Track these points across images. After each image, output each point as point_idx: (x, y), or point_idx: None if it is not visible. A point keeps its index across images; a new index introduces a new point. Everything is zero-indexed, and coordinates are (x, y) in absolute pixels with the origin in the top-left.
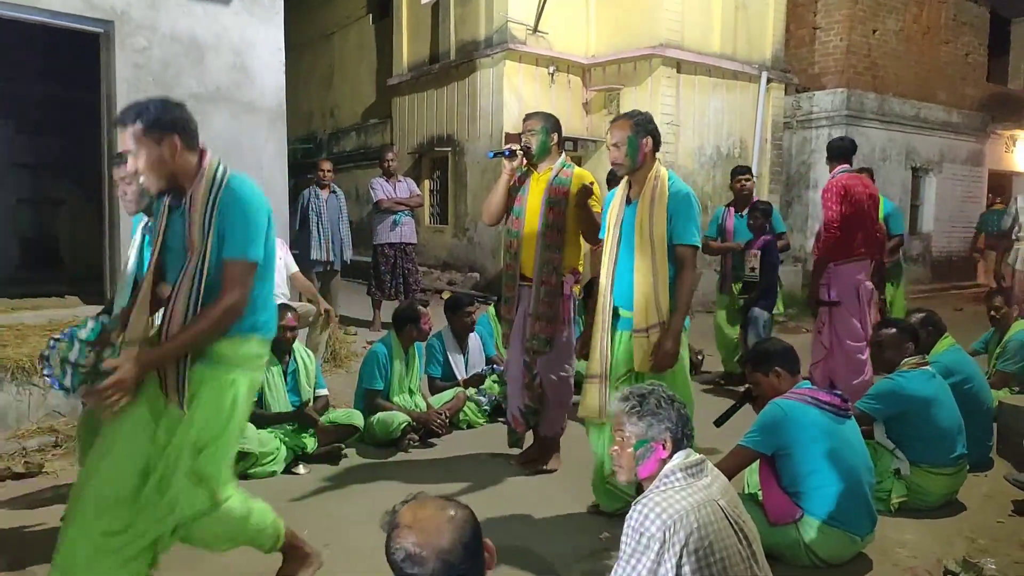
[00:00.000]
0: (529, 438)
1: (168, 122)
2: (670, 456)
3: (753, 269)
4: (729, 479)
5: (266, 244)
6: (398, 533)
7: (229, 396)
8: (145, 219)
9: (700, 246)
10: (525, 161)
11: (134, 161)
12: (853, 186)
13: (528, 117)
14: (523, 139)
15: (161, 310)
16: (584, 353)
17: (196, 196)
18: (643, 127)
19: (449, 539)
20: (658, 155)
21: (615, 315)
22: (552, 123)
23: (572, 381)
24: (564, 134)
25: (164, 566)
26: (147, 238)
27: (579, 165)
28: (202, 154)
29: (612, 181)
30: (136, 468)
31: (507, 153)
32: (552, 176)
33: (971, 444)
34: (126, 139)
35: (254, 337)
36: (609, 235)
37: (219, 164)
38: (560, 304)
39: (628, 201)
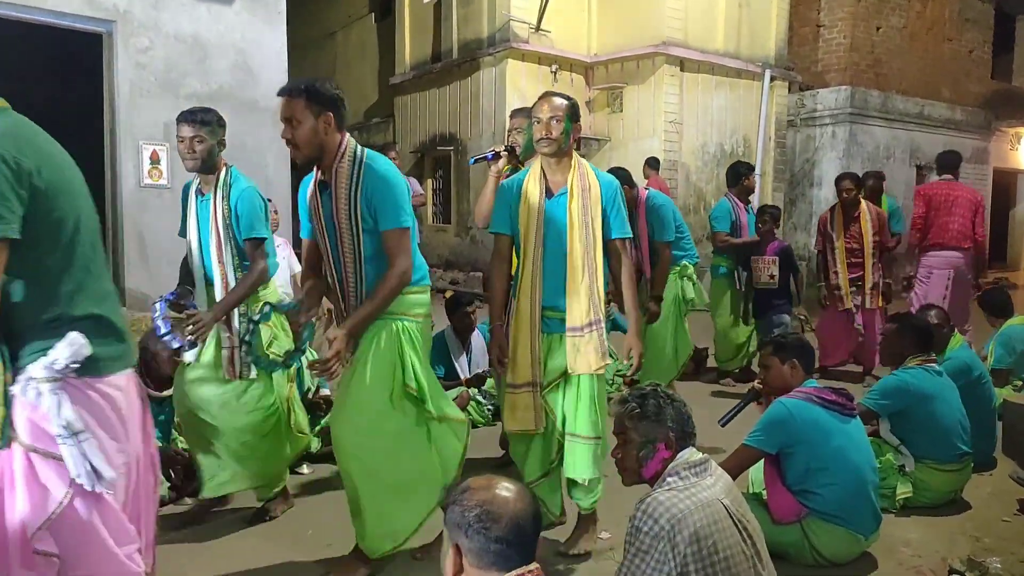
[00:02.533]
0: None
1: (328, 99)
2: (673, 455)
3: (773, 276)
4: (734, 479)
5: (409, 199)
6: (470, 495)
7: (404, 338)
8: (192, 190)
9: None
10: (511, 160)
11: (291, 130)
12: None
13: (514, 114)
14: (509, 138)
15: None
16: (502, 362)
17: (340, 173)
18: (576, 112)
19: (522, 503)
20: (660, 154)
21: (541, 317)
22: None
23: None
24: None
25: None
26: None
27: None
28: (342, 136)
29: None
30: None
31: (490, 156)
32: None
33: (976, 443)
34: (288, 107)
35: (411, 290)
36: (531, 232)
37: (355, 144)
38: None
39: (549, 195)
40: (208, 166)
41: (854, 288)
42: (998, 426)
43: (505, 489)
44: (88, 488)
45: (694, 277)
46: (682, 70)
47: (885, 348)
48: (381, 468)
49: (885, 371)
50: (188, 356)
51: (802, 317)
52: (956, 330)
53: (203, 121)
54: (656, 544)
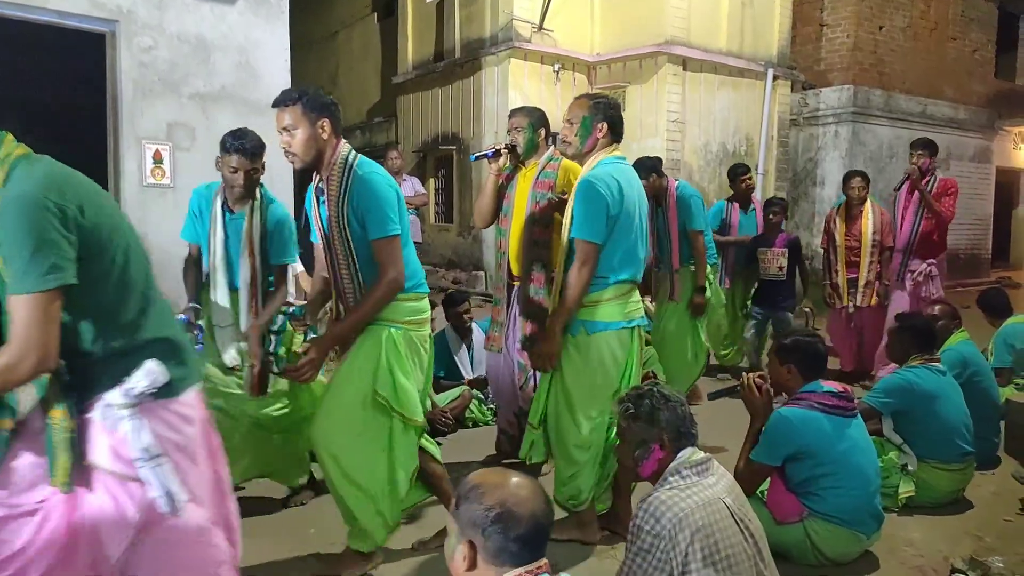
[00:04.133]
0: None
1: (323, 105)
2: (670, 455)
3: (781, 268)
4: (748, 494)
5: (404, 216)
6: (486, 493)
7: (387, 346)
8: (218, 204)
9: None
10: (511, 159)
11: (289, 138)
12: None
13: (513, 114)
14: (509, 137)
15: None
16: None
17: (332, 180)
18: (602, 110)
19: (540, 500)
20: (663, 153)
21: None
22: (538, 118)
23: None
24: None
25: None
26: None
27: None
28: (338, 142)
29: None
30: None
31: (490, 154)
32: (538, 171)
33: (979, 442)
34: (284, 117)
35: (402, 297)
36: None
37: (349, 152)
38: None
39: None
40: (252, 194)
41: (852, 289)
42: (1001, 425)
43: (521, 487)
44: (166, 510)
45: (711, 277)
46: (685, 69)
47: (889, 347)
48: (351, 468)
49: (884, 371)
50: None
51: (807, 309)
52: (961, 325)
53: (254, 153)
54: (658, 543)
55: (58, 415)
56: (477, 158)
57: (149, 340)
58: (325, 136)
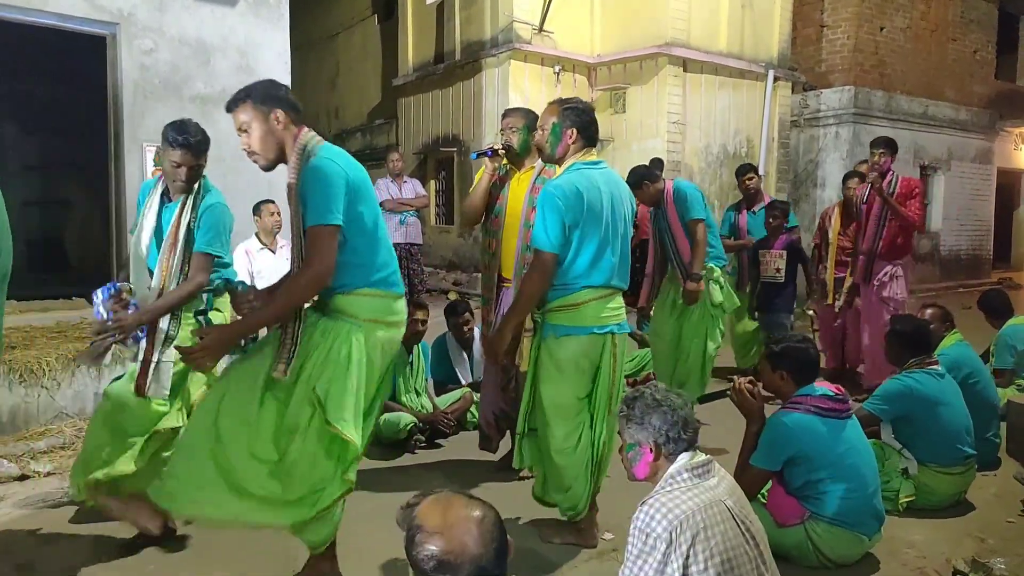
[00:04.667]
0: (508, 444)
1: (274, 97)
2: (661, 458)
3: (779, 270)
4: (751, 499)
5: (365, 206)
6: (426, 539)
7: (343, 346)
8: (157, 193)
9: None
10: (508, 158)
11: (247, 137)
12: None
13: (507, 114)
14: (503, 137)
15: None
16: None
17: (290, 170)
18: (570, 116)
19: (483, 544)
20: (663, 155)
21: None
22: (533, 120)
23: None
24: None
25: (175, 563)
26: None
27: None
28: (299, 131)
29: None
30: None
31: (489, 153)
32: (535, 175)
33: (979, 443)
34: (238, 116)
35: (366, 292)
36: None
37: (309, 139)
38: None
39: None
40: (191, 186)
41: (839, 288)
42: (1002, 427)
43: (462, 525)
44: None
45: (722, 280)
46: (685, 71)
47: (886, 350)
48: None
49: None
50: (108, 359)
51: (811, 312)
52: (954, 327)
53: (197, 149)
54: (658, 545)
55: None
56: (478, 156)
57: None
58: (281, 127)
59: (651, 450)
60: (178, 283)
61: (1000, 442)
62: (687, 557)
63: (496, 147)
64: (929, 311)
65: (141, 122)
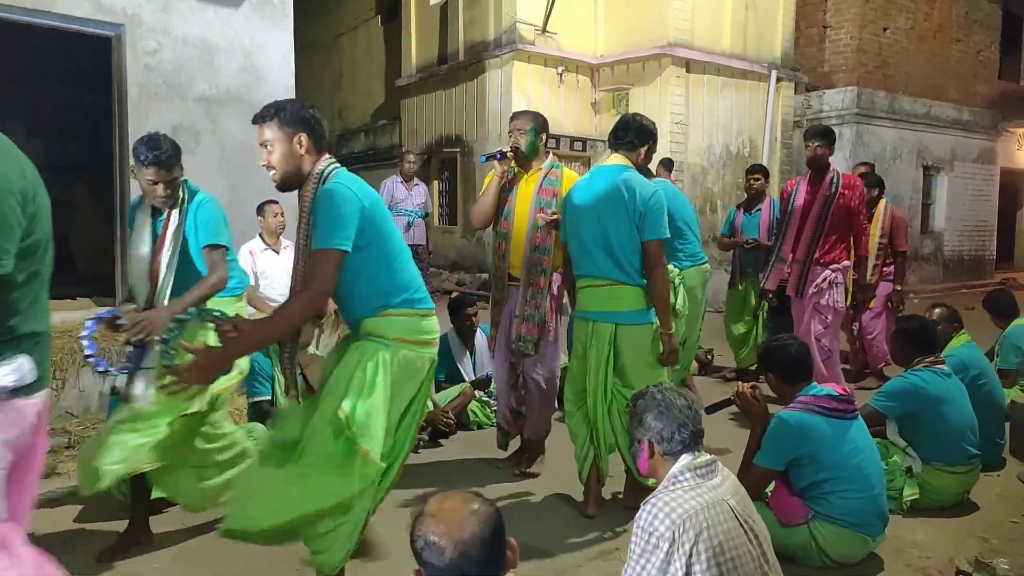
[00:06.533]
0: (515, 441)
1: (302, 121)
2: (656, 456)
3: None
4: (754, 499)
5: (382, 232)
6: (422, 521)
7: (371, 363)
8: (147, 211)
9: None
10: (516, 160)
11: (268, 154)
12: None
13: (515, 117)
14: (511, 139)
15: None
16: None
17: (305, 195)
18: (542, 124)
19: (470, 531)
20: (666, 155)
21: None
22: (540, 123)
23: (557, 382)
24: (573, 135)
25: (183, 557)
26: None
27: (588, 165)
28: (319, 157)
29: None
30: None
31: (499, 156)
32: (542, 177)
33: (984, 443)
34: (263, 132)
35: (392, 312)
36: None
37: (327, 166)
38: (547, 305)
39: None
40: (176, 197)
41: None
42: (1006, 427)
43: (454, 513)
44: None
45: (676, 282)
46: (688, 71)
47: (892, 351)
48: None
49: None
50: (138, 390)
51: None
52: (962, 328)
53: (170, 164)
54: (661, 544)
55: None
56: (487, 159)
57: (27, 333)
58: (303, 150)
59: (648, 447)
60: (171, 291)
61: (1004, 442)
62: (690, 556)
63: (505, 150)
64: (937, 311)
65: (146, 123)
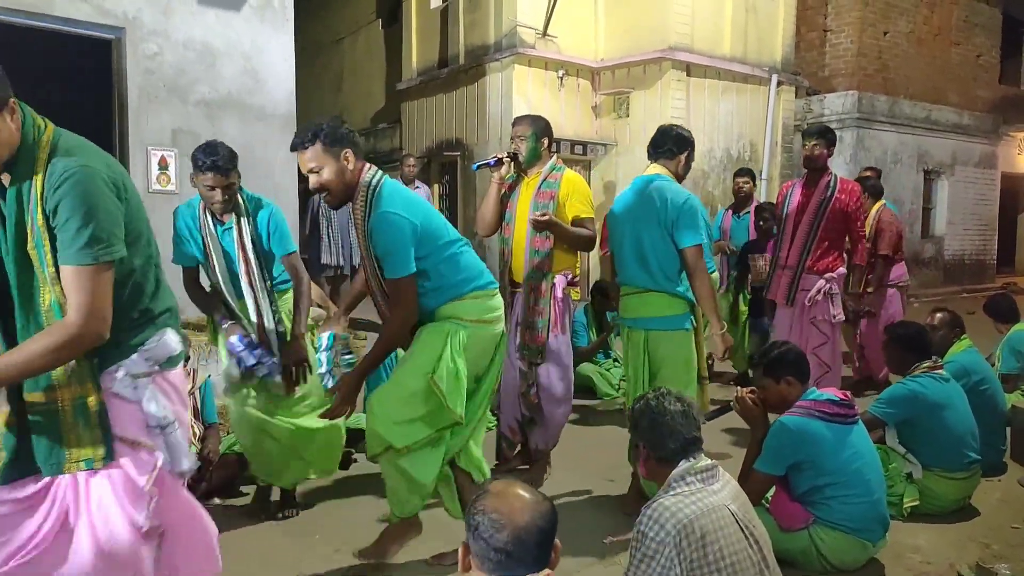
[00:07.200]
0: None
1: (343, 137)
2: (651, 460)
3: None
4: (755, 504)
5: (435, 238)
6: (485, 497)
7: (443, 336)
8: (208, 220)
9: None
10: (514, 167)
11: (317, 177)
12: None
13: (516, 122)
14: (512, 145)
15: None
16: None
17: (357, 207)
18: (544, 128)
19: (530, 518)
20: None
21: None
22: (541, 127)
23: (572, 378)
24: (574, 138)
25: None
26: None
27: (589, 169)
28: (362, 167)
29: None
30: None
31: (492, 163)
32: (540, 180)
33: (984, 448)
34: (306, 158)
35: (461, 298)
36: None
37: (373, 176)
38: (550, 310)
39: None
40: (235, 203)
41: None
42: (1007, 432)
43: (517, 499)
44: (176, 473)
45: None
46: (689, 75)
47: (887, 359)
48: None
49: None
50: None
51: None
52: (964, 333)
53: (227, 169)
54: (662, 549)
55: (75, 393)
56: (479, 167)
57: (163, 310)
58: (351, 167)
59: (644, 451)
60: (266, 297)
61: (1006, 447)
62: (691, 561)
63: (499, 156)
64: (939, 315)
65: (146, 126)
